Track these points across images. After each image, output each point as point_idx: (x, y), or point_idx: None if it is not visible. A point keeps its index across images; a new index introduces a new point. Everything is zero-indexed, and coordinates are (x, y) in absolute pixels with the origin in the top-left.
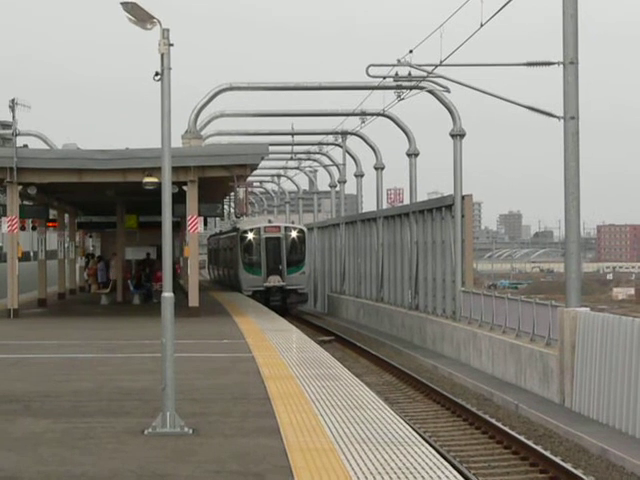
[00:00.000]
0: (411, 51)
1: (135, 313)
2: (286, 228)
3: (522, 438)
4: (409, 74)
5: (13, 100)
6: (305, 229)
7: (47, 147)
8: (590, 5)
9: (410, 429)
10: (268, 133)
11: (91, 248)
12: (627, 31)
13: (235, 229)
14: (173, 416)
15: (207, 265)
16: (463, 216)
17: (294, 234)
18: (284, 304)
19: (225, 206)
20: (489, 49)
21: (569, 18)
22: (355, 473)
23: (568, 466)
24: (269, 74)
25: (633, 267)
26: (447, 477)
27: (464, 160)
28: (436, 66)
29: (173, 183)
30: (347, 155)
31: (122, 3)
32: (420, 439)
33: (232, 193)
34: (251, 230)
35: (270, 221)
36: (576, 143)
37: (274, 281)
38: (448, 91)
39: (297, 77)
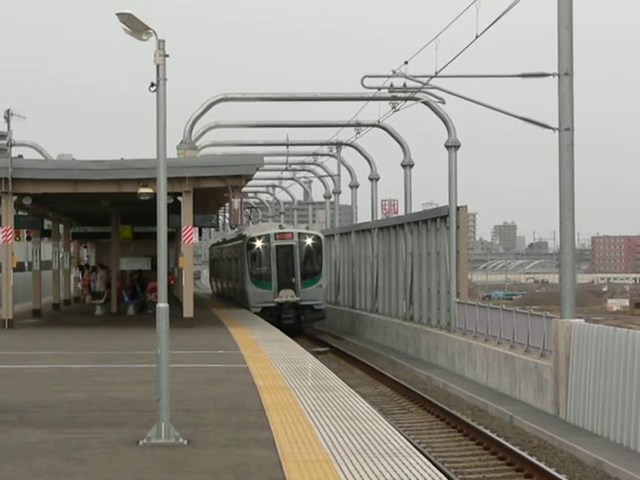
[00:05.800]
0: (406, 62)
1: (129, 324)
2: (300, 235)
3: (517, 449)
4: (404, 85)
5: (8, 111)
6: (322, 236)
7: (42, 158)
8: (585, 17)
9: (405, 440)
10: (263, 144)
11: (86, 258)
12: (622, 43)
13: (241, 236)
14: (168, 427)
15: (209, 277)
16: (458, 227)
17: (309, 241)
18: (298, 322)
19: (220, 217)
20: (484, 61)
21: (564, 30)
22: None
23: (563, 477)
24: (264, 85)
25: (627, 278)
26: None
27: (459, 171)
28: (431, 77)
29: (168, 194)
30: (342, 166)
31: (118, 14)
32: (415, 450)
33: (227, 204)
34: (259, 237)
35: (281, 227)
36: (571, 154)
37: (286, 296)
38: (443, 102)
39: (292, 88)
